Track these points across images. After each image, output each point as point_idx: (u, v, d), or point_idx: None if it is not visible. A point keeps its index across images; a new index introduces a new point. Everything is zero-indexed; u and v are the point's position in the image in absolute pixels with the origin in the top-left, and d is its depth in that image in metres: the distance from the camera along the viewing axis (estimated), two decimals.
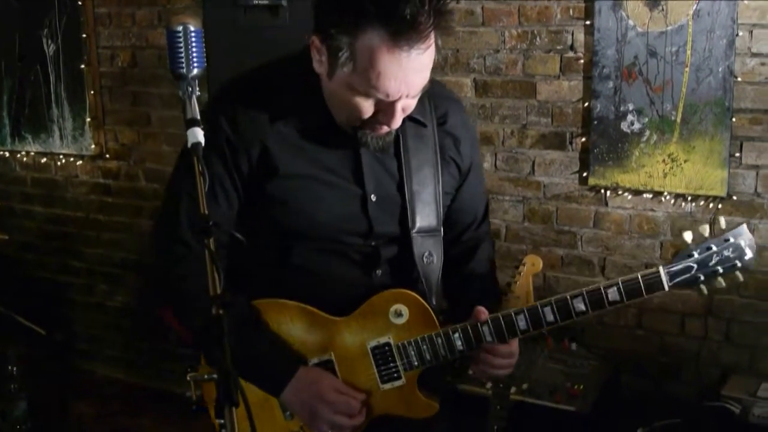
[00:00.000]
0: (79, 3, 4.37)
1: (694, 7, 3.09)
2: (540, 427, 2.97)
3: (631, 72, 3.25)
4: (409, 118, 1.84)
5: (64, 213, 4.83)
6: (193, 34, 1.54)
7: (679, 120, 3.19)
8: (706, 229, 1.84)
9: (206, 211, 1.42)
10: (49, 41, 4.50)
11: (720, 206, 3.20)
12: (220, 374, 1.22)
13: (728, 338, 3.30)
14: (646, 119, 3.25)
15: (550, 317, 1.84)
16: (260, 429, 1.88)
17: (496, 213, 3.62)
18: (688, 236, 1.84)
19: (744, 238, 1.83)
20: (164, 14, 4.22)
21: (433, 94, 1.93)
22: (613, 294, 1.82)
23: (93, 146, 4.53)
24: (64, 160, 4.69)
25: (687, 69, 3.15)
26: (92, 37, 4.44)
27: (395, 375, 1.90)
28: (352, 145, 1.83)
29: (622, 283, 1.82)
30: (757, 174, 3.14)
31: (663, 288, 1.81)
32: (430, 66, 1.70)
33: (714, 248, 1.82)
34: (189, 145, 1.47)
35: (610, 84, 3.29)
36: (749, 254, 1.83)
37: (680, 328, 3.38)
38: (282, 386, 1.87)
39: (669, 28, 3.16)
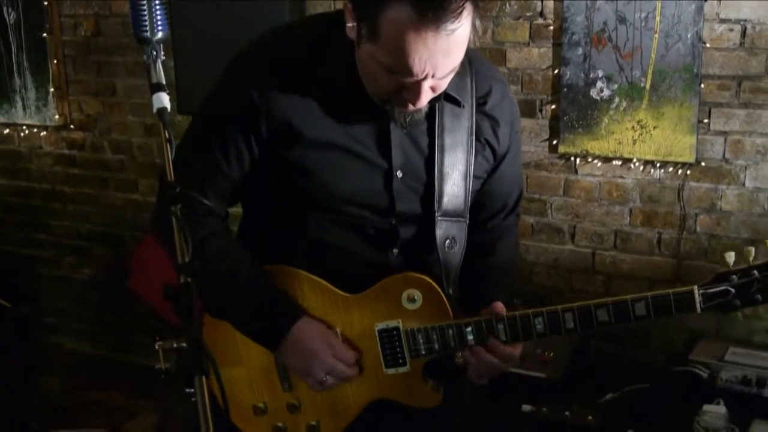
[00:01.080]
0: None
1: None
2: (511, 393, 2.98)
3: (601, 38, 3.24)
4: (446, 96, 1.75)
5: (29, 185, 4.76)
6: None
7: (648, 87, 3.19)
8: (751, 252, 1.71)
9: (173, 179, 1.39)
10: (10, 9, 4.41)
11: (689, 172, 3.21)
12: (189, 342, 1.20)
13: None
14: (616, 86, 3.25)
15: (570, 324, 1.75)
16: (259, 397, 1.91)
17: None
18: (730, 258, 1.72)
19: None
20: None
21: (476, 71, 1.83)
22: (640, 308, 1.72)
23: (57, 117, 4.46)
24: (27, 131, 4.62)
25: (656, 35, 3.15)
26: (54, 5, 4.36)
27: (400, 361, 1.83)
28: (383, 116, 1.73)
29: (651, 297, 1.71)
30: (725, 140, 3.16)
31: (695, 309, 1.70)
32: (463, 48, 1.58)
33: (756, 274, 1.68)
34: (154, 110, 1.43)
35: (580, 51, 3.28)
36: None
37: None
38: (280, 335, 1.80)
39: None
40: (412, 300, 1.81)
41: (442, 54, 1.53)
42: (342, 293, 1.84)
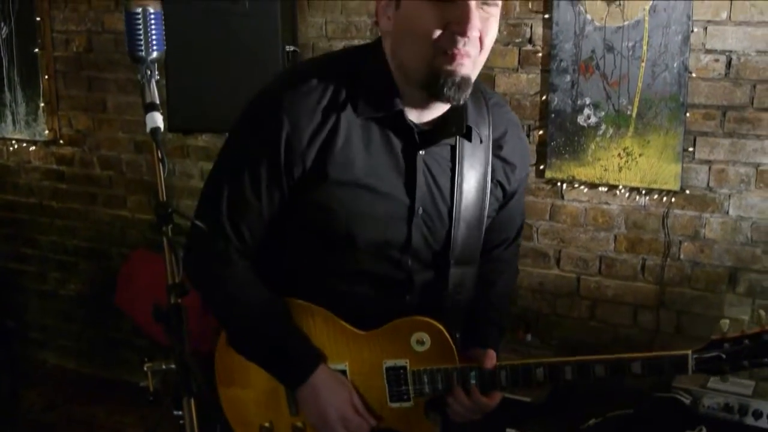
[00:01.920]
0: None
1: (651, 3, 3.11)
2: (497, 417, 2.95)
3: (588, 66, 3.26)
4: (467, 130, 1.75)
5: (17, 199, 4.72)
6: (152, 16, 1.50)
7: (634, 114, 3.21)
8: (744, 322, 1.83)
9: (165, 198, 1.38)
10: (2, 24, 4.40)
11: (673, 200, 3.22)
12: (178, 364, 1.19)
13: (679, 330, 3.33)
14: (603, 113, 3.26)
15: (568, 375, 1.80)
16: (264, 417, 1.92)
17: None
18: (724, 325, 1.79)
19: None
20: None
21: (494, 111, 1.85)
22: (636, 367, 1.78)
23: (47, 132, 4.44)
24: (16, 146, 4.59)
25: (643, 64, 3.16)
26: (46, 20, 4.34)
27: (405, 397, 1.86)
28: (409, 152, 1.73)
29: (646, 359, 1.77)
30: (709, 169, 3.17)
31: (686, 372, 1.76)
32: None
33: (747, 343, 1.75)
34: (147, 130, 1.43)
35: (568, 78, 3.30)
36: None
37: (632, 320, 3.41)
38: (302, 380, 1.81)
39: (626, 23, 3.17)
40: (420, 342, 1.83)
41: None
42: (353, 329, 1.84)
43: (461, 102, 1.66)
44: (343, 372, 1.86)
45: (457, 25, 1.57)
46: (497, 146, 1.84)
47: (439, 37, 1.58)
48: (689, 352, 1.76)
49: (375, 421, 1.87)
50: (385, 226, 1.77)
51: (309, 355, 1.83)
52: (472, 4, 1.56)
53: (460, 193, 1.79)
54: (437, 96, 1.64)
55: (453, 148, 1.77)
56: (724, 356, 1.75)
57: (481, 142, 1.80)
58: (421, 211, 1.77)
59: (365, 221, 1.75)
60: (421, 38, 1.60)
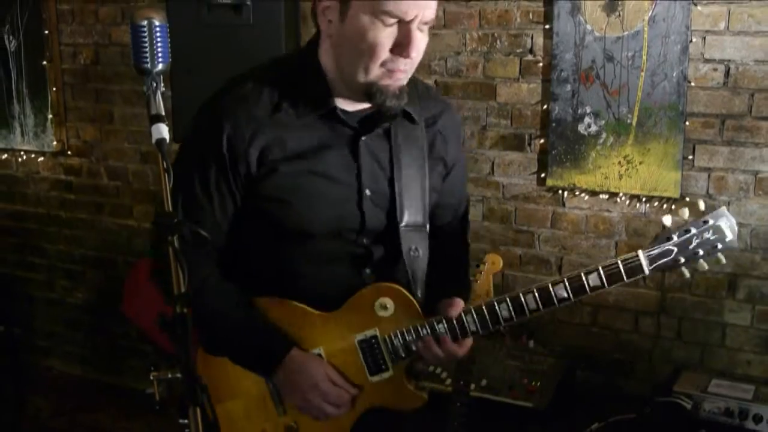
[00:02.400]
0: None
1: (650, 14, 3.10)
2: (499, 422, 2.96)
3: (589, 76, 3.25)
4: (403, 113, 1.86)
5: (25, 209, 4.72)
6: (158, 29, 1.49)
7: (634, 123, 3.20)
8: (685, 212, 1.80)
9: (170, 208, 1.37)
10: (11, 37, 4.40)
11: (673, 207, 3.21)
12: (184, 373, 1.18)
13: (680, 336, 3.32)
14: (603, 122, 3.25)
15: (532, 305, 1.81)
16: (257, 425, 1.92)
17: None
18: (667, 220, 1.80)
19: (724, 220, 1.78)
20: (127, 11, 4.14)
21: (425, 95, 1.97)
22: (594, 280, 1.79)
23: (55, 143, 4.44)
24: (25, 157, 4.59)
25: (642, 73, 3.16)
26: (54, 33, 4.34)
27: (383, 367, 1.88)
28: (351, 140, 1.83)
29: (602, 268, 1.78)
30: (709, 176, 3.16)
31: (644, 272, 1.77)
32: (435, 5, 1.72)
33: (693, 231, 1.77)
34: (153, 141, 1.43)
35: (568, 87, 3.29)
36: (730, 236, 1.78)
37: (634, 326, 3.39)
38: (275, 364, 1.84)
39: (625, 33, 3.16)
40: (384, 308, 1.87)
41: None
42: (319, 312, 1.88)
43: (399, 109, 1.81)
44: (319, 356, 1.89)
45: (401, 47, 1.69)
46: (430, 124, 1.96)
47: (384, 58, 1.70)
48: (640, 251, 1.78)
49: (355, 389, 1.88)
50: (338, 210, 1.85)
51: (279, 340, 1.86)
52: (414, 26, 1.68)
53: (400, 168, 1.88)
54: (380, 106, 1.77)
55: (389, 131, 1.87)
56: (675, 249, 1.77)
57: (415, 123, 1.91)
58: (368, 192, 1.86)
59: (318, 208, 1.83)
60: (368, 57, 1.71)
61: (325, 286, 1.88)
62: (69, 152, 4.48)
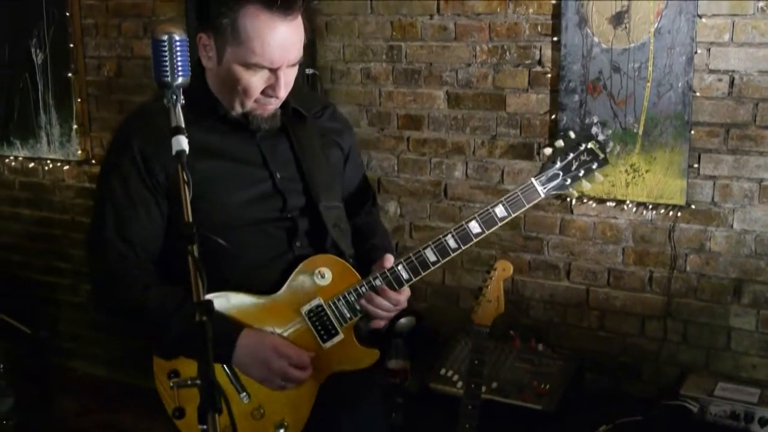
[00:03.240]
0: (67, 14, 4.29)
1: (656, 26, 3.08)
2: (509, 424, 2.93)
3: (596, 86, 3.23)
4: (293, 110, 2.02)
5: (51, 216, 4.73)
6: (177, 44, 1.49)
7: (641, 132, 3.17)
8: (560, 143, 2.04)
9: (190, 218, 1.36)
10: (38, 51, 4.42)
11: (679, 214, 3.18)
12: (203, 380, 1.16)
13: (686, 339, 3.28)
14: (610, 131, 3.23)
15: (453, 244, 1.97)
16: (222, 416, 1.91)
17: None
18: (547, 150, 2.04)
19: (593, 143, 2.05)
20: (149, 26, 4.15)
21: (307, 97, 2.20)
22: (500, 211, 2.00)
23: (79, 152, 4.45)
24: (51, 165, 4.61)
25: (648, 84, 3.13)
26: (79, 47, 4.36)
27: (333, 332, 1.97)
28: (251, 136, 1.96)
29: (505, 199, 1.99)
30: (714, 184, 3.13)
31: (540, 195, 2.01)
32: (302, 38, 1.86)
33: (572, 155, 2.03)
34: (173, 152, 1.43)
35: (576, 97, 3.27)
36: (601, 155, 2.04)
37: (640, 330, 3.36)
38: (231, 349, 1.88)
39: (632, 45, 3.14)
40: (322, 276, 1.97)
41: (290, 40, 1.82)
42: (264, 297, 1.95)
43: (275, 128, 1.97)
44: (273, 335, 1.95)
45: (271, 88, 1.86)
46: (318, 117, 2.13)
47: (257, 97, 1.87)
48: (532, 178, 2.02)
49: (311, 351, 1.94)
50: (258, 191, 1.96)
51: (230, 326, 1.90)
52: (281, 73, 1.83)
53: (303, 154, 2.02)
54: (256, 129, 1.94)
55: (284, 127, 2.01)
56: (560, 172, 2.03)
57: (305, 118, 2.07)
58: (278, 176, 1.98)
59: (239, 192, 1.93)
60: (242, 96, 1.87)
61: (263, 265, 1.96)
62: (93, 161, 4.49)
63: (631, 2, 3.11)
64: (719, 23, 3.01)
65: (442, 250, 1.98)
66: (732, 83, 3.04)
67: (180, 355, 1.93)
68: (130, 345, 4.56)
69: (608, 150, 2.05)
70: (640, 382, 3.37)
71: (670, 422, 2.89)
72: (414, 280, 1.99)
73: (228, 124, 1.94)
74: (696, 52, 3.04)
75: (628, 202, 3.25)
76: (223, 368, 1.92)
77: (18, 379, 3.98)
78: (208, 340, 1.21)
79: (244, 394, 1.94)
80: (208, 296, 1.86)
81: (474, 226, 1.98)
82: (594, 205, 3.33)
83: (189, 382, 1.28)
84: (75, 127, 4.41)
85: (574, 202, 3.37)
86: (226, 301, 1.92)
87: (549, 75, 3.34)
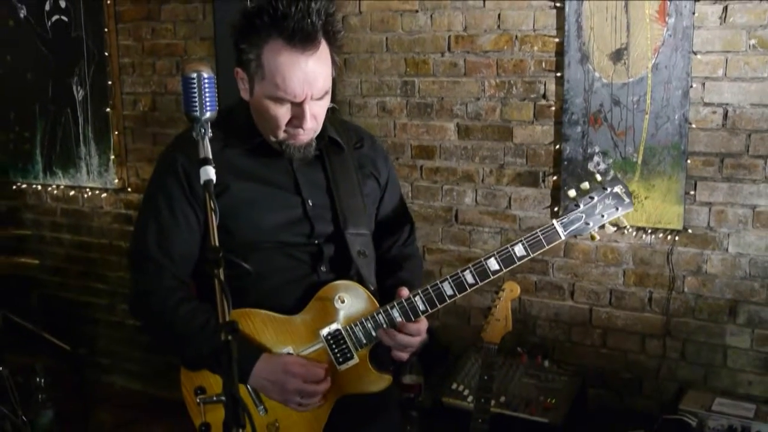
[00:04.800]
0: (106, 54, 4.32)
1: (653, 62, 3.07)
2: None
3: (597, 118, 3.21)
4: (330, 140, 1.97)
5: (90, 240, 4.75)
6: (206, 81, 1.49)
7: (640, 161, 3.15)
8: (586, 185, 1.90)
9: (216, 243, 1.35)
10: (79, 87, 4.46)
11: (677, 238, 3.15)
12: (227, 397, 1.15)
13: (684, 357, 3.24)
14: (611, 160, 3.21)
15: (470, 279, 1.88)
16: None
17: (476, 243, 3.57)
18: (572, 192, 1.90)
19: (619, 187, 1.90)
20: (182, 64, 4.18)
21: (349, 128, 2.11)
22: (519, 250, 1.88)
23: (116, 180, 4.47)
24: (90, 193, 4.63)
25: (647, 116, 3.11)
26: (117, 84, 4.39)
27: (349, 355, 1.92)
28: (288, 163, 1.92)
29: (525, 239, 1.87)
30: (709, 210, 3.10)
31: (560, 237, 1.88)
32: (328, 72, 1.79)
33: (596, 198, 1.88)
34: (201, 182, 1.43)
35: (579, 129, 3.25)
36: (627, 199, 1.90)
37: (641, 347, 3.32)
38: (249, 370, 1.86)
39: (631, 79, 3.13)
40: (342, 302, 1.92)
41: (312, 73, 1.75)
42: (285, 316, 1.91)
43: (309, 158, 1.91)
44: (290, 354, 1.91)
45: (297, 120, 1.80)
46: (355, 148, 2.07)
47: (286, 128, 1.82)
48: (554, 220, 1.89)
49: (322, 366, 1.89)
50: (287, 216, 1.92)
51: (250, 348, 1.87)
52: (306, 106, 1.78)
53: (336, 184, 1.97)
54: (289, 157, 1.89)
55: (321, 156, 1.97)
56: (583, 215, 1.90)
57: (342, 149, 2.02)
58: (310, 203, 1.94)
59: (269, 215, 1.89)
60: (272, 126, 1.84)
61: (288, 288, 1.91)
62: (129, 189, 4.51)
63: (629, 40, 3.10)
64: (713, 59, 3.00)
65: (459, 285, 1.89)
66: (726, 115, 3.02)
67: (204, 368, 1.92)
68: (163, 361, 4.56)
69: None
70: (641, 397, 3.32)
71: None
72: (430, 311, 1.91)
73: (266, 150, 1.91)
74: (691, 87, 3.02)
75: (628, 226, 3.22)
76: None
77: (58, 393, 3.97)
78: (232, 359, 1.20)
79: (262, 407, 1.91)
80: (236, 310, 1.86)
81: (492, 264, 1.88)
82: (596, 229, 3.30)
83: (215, 398, 1.26)
84: (112, 157, 4.44)
85: None
86: (247, 318, 1.90)
87: (553, 108, 3.33)
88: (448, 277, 1.89)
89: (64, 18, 4.42)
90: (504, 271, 1.88)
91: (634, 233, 3.23)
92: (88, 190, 4.62)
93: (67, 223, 4.81)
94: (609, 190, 1.90)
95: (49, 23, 4.48)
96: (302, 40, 1.71)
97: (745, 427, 2.76)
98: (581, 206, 1.88)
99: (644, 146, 3.13)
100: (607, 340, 3.39)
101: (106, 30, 4.30)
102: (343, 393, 1.94)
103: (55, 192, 4.76)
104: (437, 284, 1.89)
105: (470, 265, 1.87)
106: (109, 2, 4.28)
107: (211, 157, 1.45)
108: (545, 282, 3.47)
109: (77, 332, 4.72)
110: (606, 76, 3.17)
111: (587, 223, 1.89)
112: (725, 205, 3.07)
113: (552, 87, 3.32)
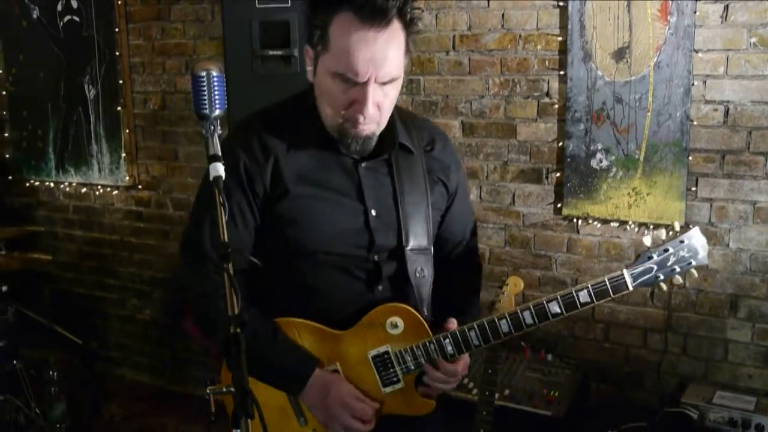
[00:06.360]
0: (117, 53, 4.34)
1: (655, 60, 3.06)
2: (521, 429, 2.90)
3: (600, 116, 3.21)
4: (400, 146, 1.83)
5: (101, 236, 4.77)
6: (215, 79, 1.48)
7: (642, 158, 3.15)
8: (662, 234, 1.79)
9: (226, 239, 1.35)
10: (90, 87, 4.47)
11: (651, 228, 3.14)
12: (236, 388, 1.16)
13: (685, 351, 3.24)
14: (613, 157, 3.20)
15: (529, 320, 1.77)
16: None
17: (480, 239, 3.57)
18: (647, 240, 1.78)
19: (696, 240, 1.76)
20: (191, 63, 4.19)
21: (420, 127, 1.93)
22: (584, 296, 1.76)
23: (127, 178, 4.48)
24: (101, 190, 4.64)
25: (649, 114, 3.11)
26: (128, 83, 4.41)
27: (395, 379, 1.83)
28: (353, 166, 1.80)
29: (591, 286, 1.75)
30: (710, 206, 3.09)
31: (627, 288, 1.74)
32: (398, 58, 1.64)
33: (671, 250, 1.75)
34: (211, 178, 1.42)
35: (581, 126, 3.25)
36: (702, 253, 1.76)
37: (643, 341, 3.32)
38: (301, 385, 1.79)
39: (633, 77, 3.12)
40: (395, 326, 1.81)
41: (380, 54, 1.59)
42: (334, 331, 1.83)
43: (366, 152, 1.76)
44: (336, 372, 1.84)
45: (358, 104, 1.64)
46: (427, 151, 1.91)
47: (345, 112, 1.67)
48: (624, 269, 1.74)
49: (375, 403, 1.82)
50: (347, 227, 1.79)
51: (305, 362, 1.81)
52: (369, 88, 1.62)
53: (402, 193, 1.83)
54: (346, 149, 1.74)
55: (389, 161, 1.83)
56: (655, 266, 1.75)
57: (412, 153, 1.86)
58: (373, 212, 1.80)
59: (328, 226, 1.78)
60: (332, 108, 1.69)
61: (340, 303, 1.83)
62: (140, 186, 4.52)
63: (632, 38, 3.09)
64: (714, 57, 2.99)
65: (517, 324, 1.77)
66: (727, 113, 3.01)
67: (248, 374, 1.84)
68: (172, 355, 4.58)
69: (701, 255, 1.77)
70: (643, 391, 3.32)
71: (672, 428, 2.85)
72: (483, 347, 1.81)
73: (330, 150, 1.77)
74: (693, 84, 3.02)
75: (630, 222, 3.22)
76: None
77: (70, 386, 3.99)
78: (241, 351, 1.20)
79: (302, 419, 1.85)
80: (283, 320, 1.82)
81: (554, 306, 1.76)
82: (599, 225, 3.30)
83: (225, 390, 1.27)
84: (123, 155, 4.45)
85: (580, 222, 3.34)
86: (295, 328, 1.83)
87: (556, 106, 3.33)
88: (506, 314, 1.78)
89: (76, 18, 4.43)
90: (564, 314, 1.77)
91: (636, 229, 3.22)
92: (99, 187, 4.63)
93: (78, 220, 4.83)
94: (686, 242, 1.76)
95: (61, 23, 4.50)
96: (373, 14, 1.57)
97: (746, 419, 2.76)
98: (654, 257, 1.75)
99: (646, 143, 3.13)
100: (609, 335, 3.39)
101: (117, 30, 4.31)
102: (385, 413, 1.86)
103: (68, 189, 4.78)
104: (494, 320, 1.78)
105: (531, 305, 1.78)
106: (120, 2, 4.30)
107: (220, 153, 1.44)
108: (548, 277, 3.47)
109: (89, 326, 4.74)
110: (608, 75, 3.16)
111: (657, 276, 1.76)
112: (726, 201, 3.06)
113: (555, 85, 3.32)
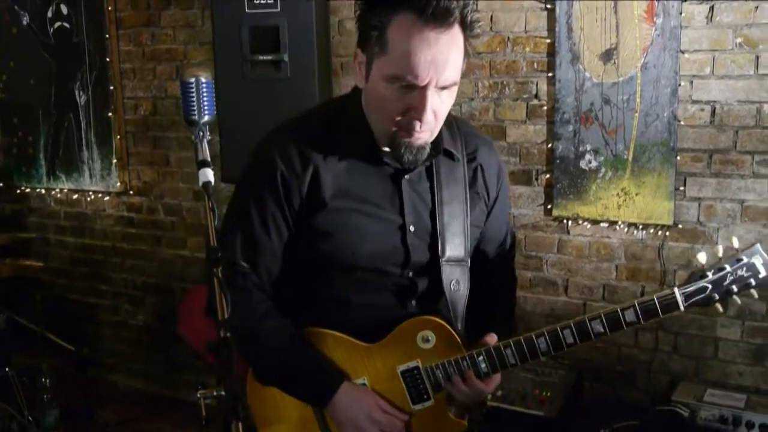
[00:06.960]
0: (107, 59, 4.34)
1: (642, 61, 3.08)
2: (514, 429, 2.91)
3: (588, 117, 3.22)
4: (444, 152, 1.75)
5: (93, 242, 4.75)
6: (204, 85, 1.49)
7: (630, 159, 3.16)
8: (719, 250, 1.66)
9: (215, 244, 1.36)
10: (81, 93, 4.46)
11: (667, 233, 3.16)
12: (227, 392, 1.16)
13: (676, 349, 3.25)
14: (602, 158, 3.22)
15: (569, 339, 1.66)
16: None
17: None
18: (702, 257, 1.65)
19: (758, 257, 1.62)
20: (182, 69, 4.19)
21: (464, 132, 1.84)
22: (630, 315, 1.64)
23: (118, 184, 4.47)
24: (93, 196, 4.64)
25: (636, 114, 3.13)
26: (118, 89, 4.40)
27: (425, 396, 1.76)
28: (394, 177, 1.72)
29: (638, 304, 1.63)
30: (699, 205, 3.11)
31: (679, 308, 1.63)
32: (458, 61, 1.56)
33: (728, 268, 1.62)
34: (200, 183, 1.41)
35: (570, 127, 3.26)
36: (763, 272, 1.62)
37: (634, 341, 3.33)
38: (328, 397, 1.73)
39: (620, 79, 3.14)
40: (426, 340, 1.74)
41: (441, 57, 1.51)
42: (363, 344, 1.76)
43: (418, 164, 1.67)
44: (364, 386, 1.78)
45: (415, 111, 1.56)
46: (471, 160, 1.82)
47: (400, 119, 1.58)
48: (676, 288, 1.63)
49: (404, 416, 1.76)
50: (383, 244, 1.73)
51: (332, 374, 1.76)
52: (429, 93, 1.54)
53: (441, 204, 1.75)
54: (399, 158, 1.65)
55: (430, 168, 1.75)
56: (709, 286, 1.63)
57: (455, 160, 1.78)
58: (412, 228, 1.74)
59: (364, 242, 1.71)
60: (385, 116, 1.61)
61: (371, 318, 1.75)
62: (131, 192, 4.52)
63: (619, 40, 3.11)
64: (701, 58, 3.01)
65: (557, 343, 1.67)
66: (713, 113, 3.03)
67: (275, 386, 1.79)
68: (165, 360, 4.57)
69: None
70: (634, 390, 3.34)
71: (664, 426, 2.85)
72: (519, 365, 1.70)
73: (376, 162, 1.70)
74: (680, 85, 3.04)
75: (620, 222, 3.23)
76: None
77: (63, 392, 3.98)
78: (231, 356, 1.20)
79: (327, 431, 1.80)
80: (311, 331, 1.77)
81: (597, 325, 1.65)
82: (588, 226, 3.31)
83: (215, 393, 1.27)
84: (114, 161, 4.44)
85: (570, 223, 3.35)
86: (324, 339, 1.77)
87: (545, 107, 3.34)
88: (545, 331, 1.68)
89: (66, 24, 4.43)
90: (607, 334, 1.65)
91: (626, 229, 3.24)
92: (90, 193, 4.63)
93: (70, 226, 4.81)
94: (745, 260, 1.62)
95: (52, 30, 4.49)
96: (436, 15, 1.48)
97: (736, 416, 2.77)
98: (709, 276, 1.62)
99: (634, 144, 3.14)
100: None
101: (107, 36, 4.31)
102: (415, 431, 1.78)
103: (59, 195, 4.76)
104: (532, 338, 1.68)
105: (571, 323, 1.66)
106: (110, 9, 4.30)
107: (209, 158, 1.45)
108: (539, 278, 3.48)
109: (81, 333, 4.73)
110: (596, 76, 3.18)
111: (712, 297, 1.63)
112: (714, 200, 3.08)
113: (544, 87, 3.33)
